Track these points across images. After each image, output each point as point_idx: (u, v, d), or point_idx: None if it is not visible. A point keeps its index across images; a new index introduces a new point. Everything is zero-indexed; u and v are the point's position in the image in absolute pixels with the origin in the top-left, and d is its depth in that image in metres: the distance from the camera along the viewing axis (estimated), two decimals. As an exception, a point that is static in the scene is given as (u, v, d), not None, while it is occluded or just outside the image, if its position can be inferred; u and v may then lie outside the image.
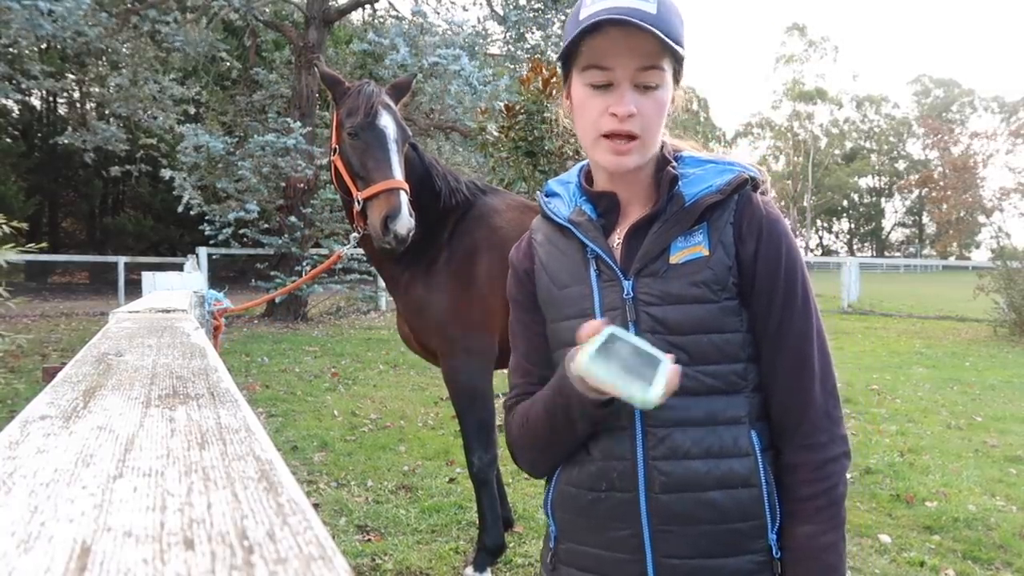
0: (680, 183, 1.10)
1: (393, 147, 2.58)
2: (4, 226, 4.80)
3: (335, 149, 2.67)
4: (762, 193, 1.13)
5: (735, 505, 1.03)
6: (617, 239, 1.13)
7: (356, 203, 2.58)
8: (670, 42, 1.00)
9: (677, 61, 1.06)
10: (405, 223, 2.47)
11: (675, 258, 1.07)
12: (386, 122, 2.60)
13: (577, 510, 1.12)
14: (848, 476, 1.06)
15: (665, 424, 1.04)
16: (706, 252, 1.06)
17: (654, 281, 1.07)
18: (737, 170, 1.10)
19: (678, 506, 1.03)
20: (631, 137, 1.04)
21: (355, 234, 2.72)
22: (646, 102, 1.03)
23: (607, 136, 1.05)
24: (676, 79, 1.09)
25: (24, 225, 5.94)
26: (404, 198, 2.50)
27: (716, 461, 1.03)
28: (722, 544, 1.04)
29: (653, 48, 1.01)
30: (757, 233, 1.07)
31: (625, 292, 1.08)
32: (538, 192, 1.32)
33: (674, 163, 1.12)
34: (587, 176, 1.20)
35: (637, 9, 0.99)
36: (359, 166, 2.57)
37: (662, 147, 1.14)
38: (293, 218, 11.65)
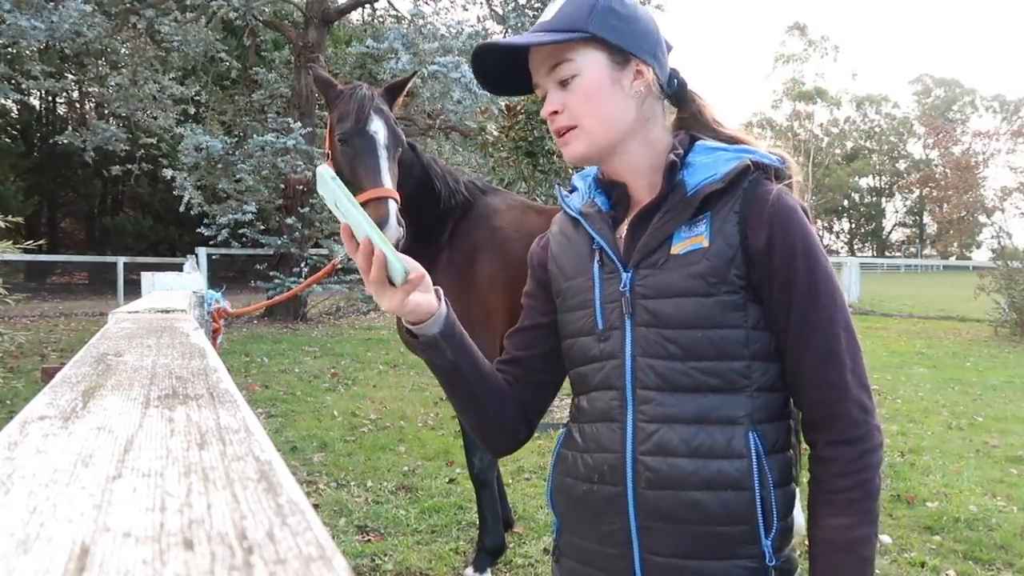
0: (685, 171, 1.08)
1: (383, 154, 2.52)
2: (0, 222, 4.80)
3: (328, 155, 2.63)
4: (785, 181, 1.08)
5: (721, 507, 1.01)
6: (625, 228, 1.13)
7: None
8: (546, 40, 1.07)
9: (603, 41, 1.07)
10: (392, 233, 2.43)
11: (676, 248, 1.05)
12: (377, 128, 2.54)
13: (573, 501, 1.13)
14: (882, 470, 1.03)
15: (655, 420, 1.04)
16: (706, 243, 1.03)
17: (652, 273, 1.06)
18: (747, 158, 1.06)
19: (662, 503, 1.03)
20: (570, 129, 1.10)
21: None
22: (567, 94, 1.09)
23: (557, 135, 1.13)
24: (618, 57, 1.08)
25: (20, 219, 5.94)
26: (392, 207, 2.45)
27: (704, 461, 1.01)
28: (707, 546, 1.02)
29: (550, 49, 1.09)
30: (769, 223, 1.02)
31: (622, 284, 1.08)
32: (557, 185, 1.36)
33: (680, 150, 1.10)
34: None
35: (538, 24, 1.11)
36: (349, 173, 2.53)
37: (675, 135, 1.13)
38: (292, 219, 11.65)
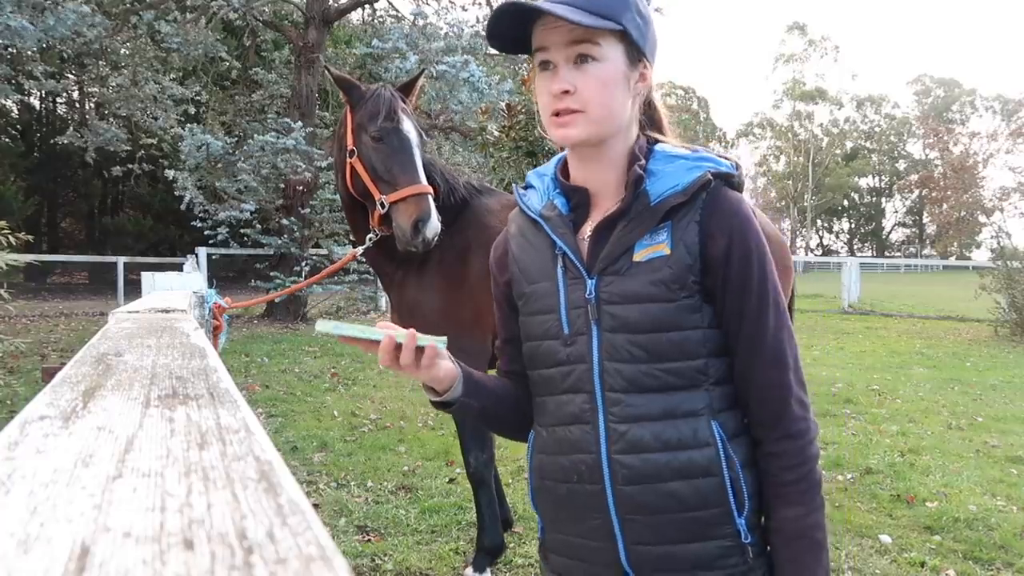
0: (647, 181, 1.11)
1: (417, 152, 2.64)
2: (10, 236, 4.84)
3: (352, 151, 2.67)
4: (738, 185, 1.13)
5: (695, 494, 1.07)
6: (587, 233, 1.14)
7: (379, 206, 2.61)
8: (587, 23, 1.02)
9: (627, 36, 1.07)
10: (434, 227, 2.55)
11: (639, 256, 1.09)
12: (409, 127, 2.67)
13: (556, 501, 1.18)
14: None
15: (625, 420, 1.08)
16: (667, 251, 1.08)
17: (616, 280, 1.09)
18: (706, 167, 1.10)
19: (641, 497, 1.08)
20: (574, 112, 1.07)
21: (371, 235, 2.73)
22: (583, 77, 1.06)
23: (555, 115, 1.09)
24: (634, 56, 1.10)
25: (30, 237, 5.98)
26: (432, 203, 2.57)
27: (675, 453, 1.07)
28: (686, 531, 1.08)
29: (581, 27, 1.04)
30: (728, 231, 1.08)
31: (588, 291, 1.10)
32: (515, 183, 1.32)
33: (642, 160, 1.12)
34: (564, 168, 1.21)
35: None
36: (384, 170, 2.61)
37: (637, 139, 1.15)
38: (290, 219, 11.65)
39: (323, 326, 1.07)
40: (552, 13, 1.02)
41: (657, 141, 1.17)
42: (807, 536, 1.08)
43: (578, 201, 1.16)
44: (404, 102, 2.75)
